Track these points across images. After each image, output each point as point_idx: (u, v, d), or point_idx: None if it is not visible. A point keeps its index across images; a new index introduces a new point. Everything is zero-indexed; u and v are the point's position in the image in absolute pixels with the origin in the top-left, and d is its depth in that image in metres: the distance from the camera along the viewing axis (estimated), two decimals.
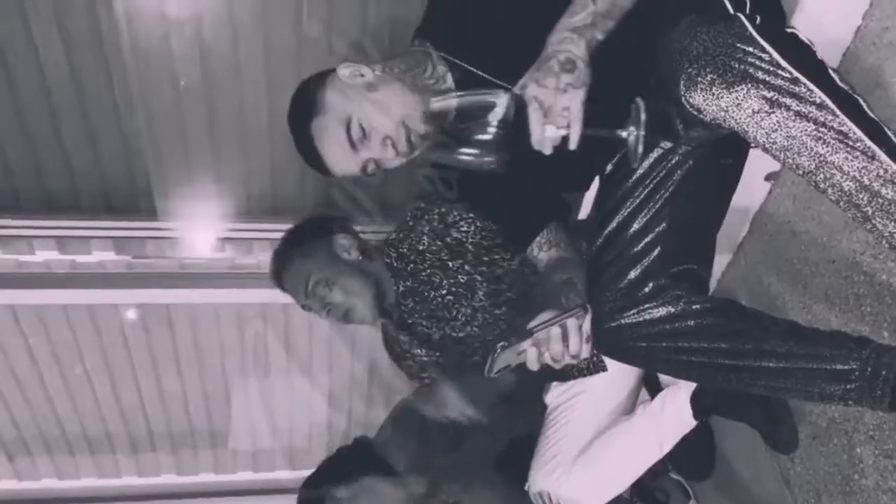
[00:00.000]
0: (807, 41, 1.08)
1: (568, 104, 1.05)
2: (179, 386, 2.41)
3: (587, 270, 1.42)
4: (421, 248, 1.65)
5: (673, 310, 1.29)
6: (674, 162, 1.35)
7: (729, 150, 1.34)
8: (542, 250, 1.52)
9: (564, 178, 1.53)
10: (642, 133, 1.08)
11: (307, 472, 1.87)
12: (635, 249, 1.35)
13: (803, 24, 1.38)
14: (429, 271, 1.65)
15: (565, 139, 1.07)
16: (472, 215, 1.59)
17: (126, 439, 2.62)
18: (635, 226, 1.37)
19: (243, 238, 2.04)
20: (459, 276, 1.62)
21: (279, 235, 1.95)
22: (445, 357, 1.70)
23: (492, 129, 1.05)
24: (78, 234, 1.99)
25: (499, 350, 1.14)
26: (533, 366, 1.19)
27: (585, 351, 1.21)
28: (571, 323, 1.19)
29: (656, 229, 1.35)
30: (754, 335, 1.25)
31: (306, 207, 2.04)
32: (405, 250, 1.67)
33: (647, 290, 1.31)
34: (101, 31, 1.75)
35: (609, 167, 1.45)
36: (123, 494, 2.71)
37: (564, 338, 1.19)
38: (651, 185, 1.37)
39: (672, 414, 1.67)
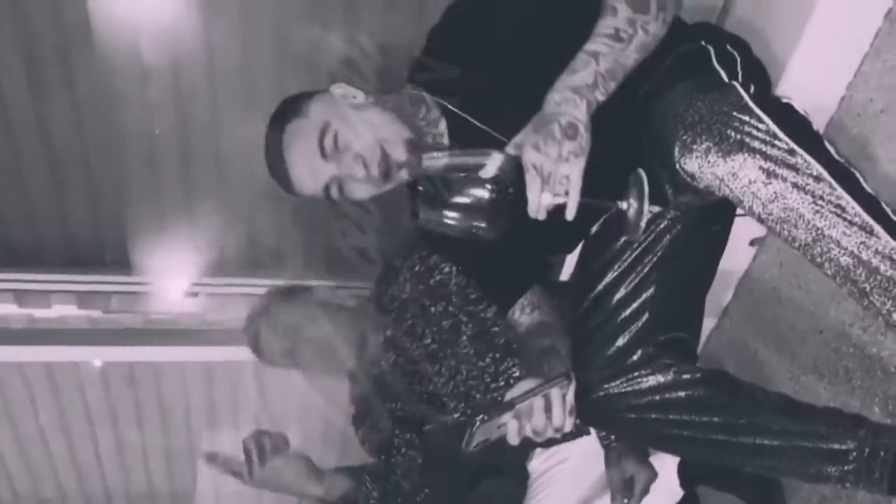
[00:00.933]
0: (803, 112, 1.07)
1: (568, 173, 1.01)
2: (140, 444, 2.30)
3: (572, 335, 1.38)
4: (403, 296, 1.60)
5: (663, 379, 1.25)
6: (662, 226, 1.33)
7: (718, 216, 1.32)
8: (523, 313, 1.46)
9: (551, 242, 1.50)
10: (646, 207, 1.02)
11: None
12: (623, 315, 1.32)
13: (788, 93, 1.39)
14: (411, 321, 1.59)
15: (560, 206, 1.02)
16: (451, 264, 1.55)
17: (82, 499, 2.50)
18: (622, 291, 1.34)
19: (216, 294, 1.97)
20: (443, 322, 1.57)
21: (254, 291, 1.90)
22: (422, 425, 1.64)
23: (484, 192, 0.99)
24: (38, 288, 1.90)
25: (477, 423, 1.06)
26: (514, 440, 1.11)
27: (569, 424, 1.13)
28: (555, 393, 1.12)
29: (644, 295, 1.32)
30: (748, 410, 1.22)
31: (283, 264, 1.98)
32: (386, 302, 1.63)
33: (635, 358, 1.27)
34: (71, 76, 1.69)
35: (594, 227, 1.43)
36: None
37: (547, 409, 1.12)
38: (639, 250, 1.34)
39: (660, 485, 1.62)
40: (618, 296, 1.33)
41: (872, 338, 1.35)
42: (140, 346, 1.97)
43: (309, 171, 1.30)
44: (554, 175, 1.00)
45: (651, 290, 1.32)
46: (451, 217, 1.00)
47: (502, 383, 1.50)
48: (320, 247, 2.00)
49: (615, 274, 1.35)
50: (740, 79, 1.14)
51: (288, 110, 1.33)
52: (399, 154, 1.26)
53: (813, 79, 1.41)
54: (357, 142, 1.27)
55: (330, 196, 1.32)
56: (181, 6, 1.66)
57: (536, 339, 1.37)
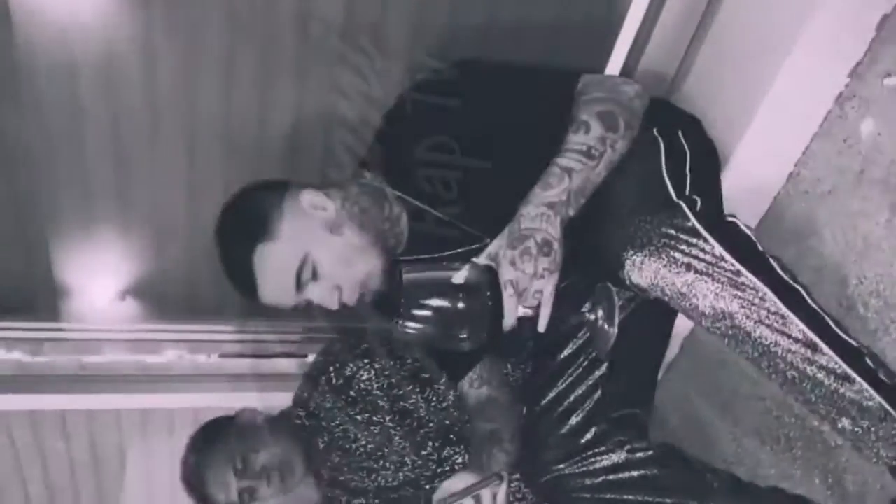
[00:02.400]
0: (746, 230, 1.10)
1: (542, 288, 1.04)
2: (72, 494, 2.21)
3: (527, 412, 1.38)
4: (328, 405, 1.56)
5: (616, 459, 1.28)
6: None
7: None
8: (472, 387, 1.47)
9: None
10: (615, 321, 1.05)
11: None
12: (576, 393, 1.34)
13: (739, 164, 1.42)
14: (342, 427, 1.56)
15: (531, 318, 1.05)
16: (366, 361, 1.51)
17: None
18: (577, 369, 1.35)
19: (154, 340, 1.90)
20: (371, 427, 1.54)
21: (194, 337, 1.83)
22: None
23: (460, 302, 1.02)
24: None
25: None
26: None
27: None
28: (485, 494, 1.14)
29: (597, 373, 1.34)
30: (698, 491, 1.25)
31: (223, 308, 1.92)
32: (313, 408, 1.59)
33: (589, 436, 1.30)
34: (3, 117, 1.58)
35: None
36: None
37: None
38: None
39: None
40: (572, 374, 1.35)
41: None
42: (74, 394, 1.89)
43: (280, 296, 1.28)
44: (528, 291, 1.03)
45: (604, 369, 1.34)
46: (425, 326, 1.02)
47: (447, 468, 1.47)
48: None
49: (570, 350, 1.36)
50: (688, 187, 1.16)
51: (255, 226, 1.26)
52: (377, 286, 1.27)
53: (763, 152, 1.43)
54: (337, 277, 1.26)
55: (296, 308, 1.31)
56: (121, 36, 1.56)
57: (481, 419, 1.38)
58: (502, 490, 1.15)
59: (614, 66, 1.67)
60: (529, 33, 1.59)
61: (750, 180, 1.44)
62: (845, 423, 1.04)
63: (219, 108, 1.64)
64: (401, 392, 1.51)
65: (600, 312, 1.07)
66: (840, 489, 1.32)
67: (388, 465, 1.55)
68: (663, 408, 1.80)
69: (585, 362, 1.34)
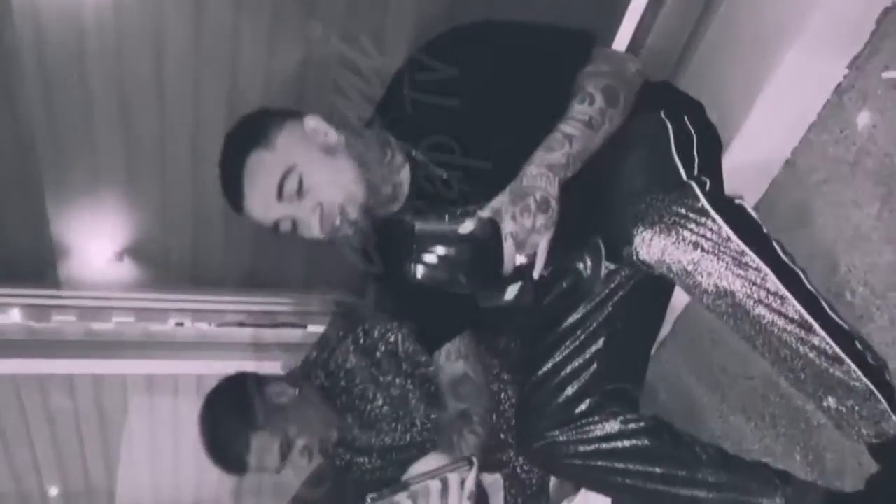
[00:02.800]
0: (753, 214, 1.13)
1: (538, 241, 1.14)
2: (78, 447, 2.27)
3: (522, 382, 1.43)
4: (349, 366, 1.61)
5: (610, 429, 1.32)
6: (616, 283, 1.39)
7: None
8: (448, 359, 1.51)
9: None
10: (602, 270, 1.19)
11: None
12: (573, 366, 1.38)
13: (738, 150, 1.46)
14: (361, 386, 1.61)
15: (527, 266, 1.16)
16: (395, 324, 1.56)
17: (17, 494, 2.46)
18: (574, 343, 1.39)
19: (159, 308, 1.94)
20: (392, 389, 1.59)
21: (198, 306, 1.87)
22: (386, 465, 1.67)
23: (463, 250, 1.15)
24: None
25: (368, 501, 1.13)
26: None
27: None
28: (453, 478, 1.17)
29: (594, 347, 1.39)
30: (688, 462, 1.29)
31: (225, 278, 1.95)
32: (333, 368, 1.63)
33: (584, 407, 1.34)
34: (13, 89, 1.61)
35: (546, 272, 1.46)
36: None
37: (444, 492, 1.17)
38: (592, 304, 1.40)
39: None
40: (569, 347, 1.39)
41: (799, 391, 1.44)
42: (79, 360, 1.93)
43: (263, 206, 1.33)
44: (527, 242, 1.14)
45: (600, 343, 1.39)
46: (432, 270, 1.15)
47: None
48: (263, 260, 1.99)
49: (568, 325, 1.41)
50: (696, 169, 1.19)
51: (255, 135, 1.32)
52: (354, 215, 1.32)
53: (761, 139, 1.46)
54: (320, 193, 1.30)
55: (278, 230, 1.34)
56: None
57: (453, 398, 1.42)
58: (471, 476, 1.17)
59: (618, 46, 1.70)
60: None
61: (747, 166, 1.48)
62: (831, 401, 1.09)
63: (224, 68, 1.66)
64: (422, 357, 1.56)
65: (588, 262, 1.19)
66: (819, 465, 1.38)
67: (399, 426, 1.60)
68: (654, 384, 1.86)
69: (583, 336, 1.38)
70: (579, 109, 1.21)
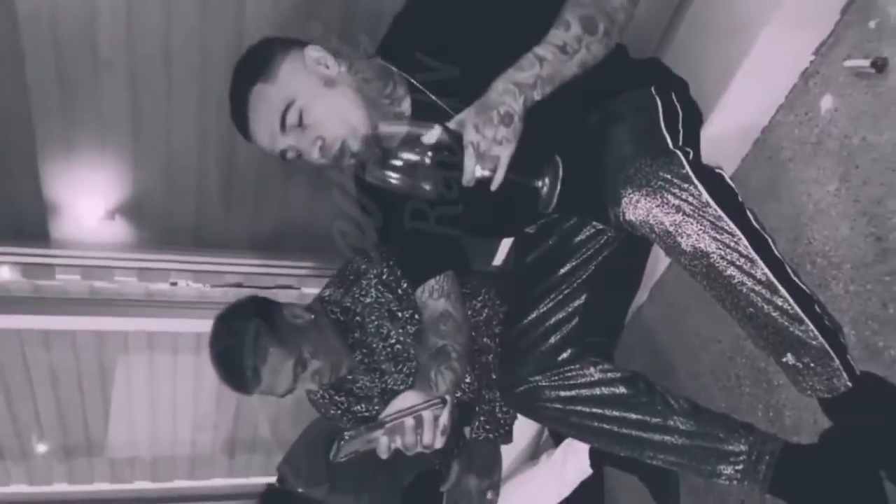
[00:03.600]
0: (730, 183, 1.22)
1: (499, 154, 1.16)
2: (79, 401, 2.35)
3: (506, 329, 1.52)
4: (368, 300, 1.66)
5: (589, 376, 1.41)
6: (602, 242, 1.49)
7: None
8: (431, 296, 1.51)
9: (482, 220, 1.58)
10: (558, 187, 1.18)
11: (207, 483, 1.87)
12: (557, 317, 1.47)
13: (711, 128, 1.54)
14: (377, 322, 1.66)
15: (488, 179, 1.18)
16: None
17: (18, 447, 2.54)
18: (558, 296, 1.49)
19: (161, 269, 2.02)
20: (408, 327, 1.65)
21: (198, 267, 1.93)
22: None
23: (426, 156, 1.14)
24: None
25: (346, 438, 1.14)
26: (382, 453, 1.18)
27: (439, 442, 1.20)
28: (426, 415, 1.17)
29: (577, 302, 1.48)
30: (660, 411, 1.39)
31: (226, 240, 2.03)
32: (349, 304, 1.68)
33: (565, 355, 1.43)
34: (20, 46, 1.64)
35: (532, 229, 1.58)
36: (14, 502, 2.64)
37: (419, 427, 1.18)
38: (578, 260, 1.50)
39: (573, 464, 1.82)
40: (553, 300, 1.49)
41: (762, 354, 1.55)
42: (83, 316, 2.01)
43: (268, 137, 1.38)
44: (487, 153, 1.15)
45: (583, 298, 1.48)
46: (395, 175, 1.15)
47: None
48: (266, 222, 2.06)
49: (554, 279, 1.50)
50: (681, 140, 1.29)
51: (259, 67, 1.37)
52: (356, 147, 1.35)
53: (735, 118, 1.56)
54: (320, 127, 1.35)
55: (285, 158, 1.40)
56: None
57: (433, 334, 1.43)
58: (444, 413, 1.18)
59: None
60: None
61: (721, 142, 1.57)
62: (790, 357, 1.19)
63: (230, 21, 1.68)
64: None
65: (546, 180, 1.19)
66: (779, 422, 1.50)
67: (404, 369, 1.66)
68: (632, 346, 1.97)
69: (567, 290, 1.47)
70: (554, 34, 1.24)
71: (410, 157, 1.14)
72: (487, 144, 1.15)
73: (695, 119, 1.45)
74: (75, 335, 2.14)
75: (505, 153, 1.16)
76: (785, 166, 1.50)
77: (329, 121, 1.35)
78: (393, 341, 1.67)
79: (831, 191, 1.38)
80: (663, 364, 1.87)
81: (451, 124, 1.17)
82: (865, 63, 1.32)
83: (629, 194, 1.15)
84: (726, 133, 1.58)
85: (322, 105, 1.34)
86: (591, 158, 1.28)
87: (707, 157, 1.45)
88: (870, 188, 1.31)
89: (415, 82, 1.41)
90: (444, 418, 1.20)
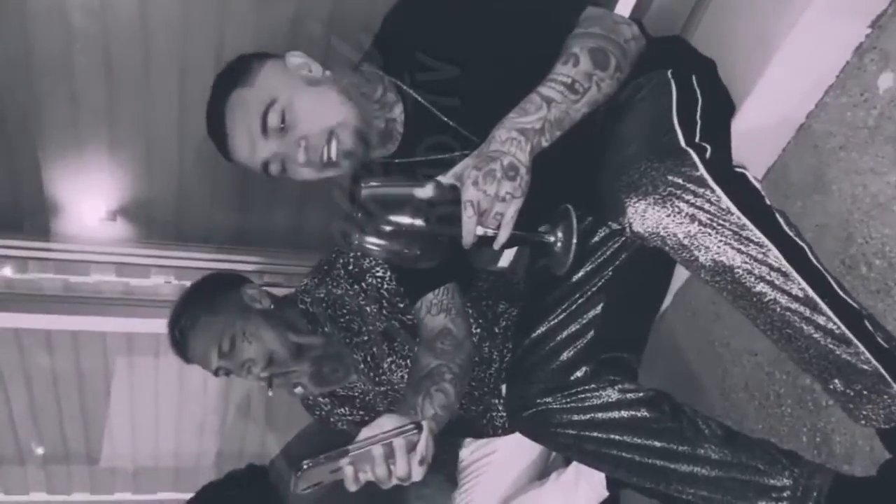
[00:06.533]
0: (755, 183, 1.06)
1: (503, 211, 1.03)
2: (55, 406, 2.22)
3: (515, 343, 1.37)
4: (339, 292, 1.55)
5: (607, 398, 1.25)
6: (618, 245, 1.33)
7: None
8: (429, 312, 1.40)
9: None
10: (574, 241, 1.07)
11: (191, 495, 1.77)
12: (569, 331, 1.32)
13: (746, 114, 1.37)
14: (347, 317, 1.55)
15: (490, 238, 1.05)
16: (387, 272, 1.51)
17: None
18: (571, 306, 1.33)
19: (141, 264, 1.88)
20: (377, 323, 1.53)
21: (181, 263, 1.81)
22: (370, 414, 1.61)
23: (418, 219, 1.01)
24: None
25: (304, 467, 0.98)
26: (350, 486, 1.04)
27: (417, 473, 1.05)
28: (398, 443, 1.02)
29: (592, 313, 1.32)
30: (689, 438, 1.23)
31: (211, 236, 1.90)
32: (321, 295, 1.57)
33: (579, 374, 1.27)
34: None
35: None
36: None
37: (390, 457, 1.04)
38: (592, 266, 1.33)
39: (586, 486, 1.65)
40: (565, 311, 1.33)
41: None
42: (58, 315, 1.87)
43: (248, 145, 1.25)
44: (489, 212, 1.02)
45: (599, 309, 1.32)
46: (381, 243, 1.02)
47: None
48: (248, 217, 1.94)
49: (565, 287, 1.34)
50: (698, 135, 1.11)
51: (236, 75, 1.25)
52: (347, 142, 1.22)
53: (775, 102, 1.38)
54: (304, 124, 1.22)
55: (269, 172, 1.26)
56: None
57: (428, 354, 1.32)
58: (423, 440, 1.03)
59: (626, 2, 1.62)
60: None
61: (758, 130, 1.40)
62: (838, 383, 1.04)
63: (212, 25, 1.60)
64: (403, 304, 1.50)
65: (559, 234, 1.08)
66: (827, 448, 1.32)
67: (384, 364, 1.55)
68: (651, 358, 1.79)
69: (581, 300, 1.31)
70: (561, 71, 1.11)
71: (399, 219, 1.00)
72: (489, 202, 1.01)
73: (721, 106, 1.29)
74: (50, 335, 2.01)
75: (510, 211, 1.03)
76: (835, 155, 1.32)
77: (314, 117, 1.21)
78: (365, 338, 1.55)
79: (892, 182, 1.20)
80: (687, 381, 1.70)
81: (448, 178, 1.04)
82: None
83: (634, 203, 0.99)
84: (764, 120, 1.40)
85: (306, 101, 1.22)
86: (592, 161, 1.13)
87: (741, 148, 1.28)
88: None
89: (405, 87, 1.28)
90: (423, 446, 1.04)
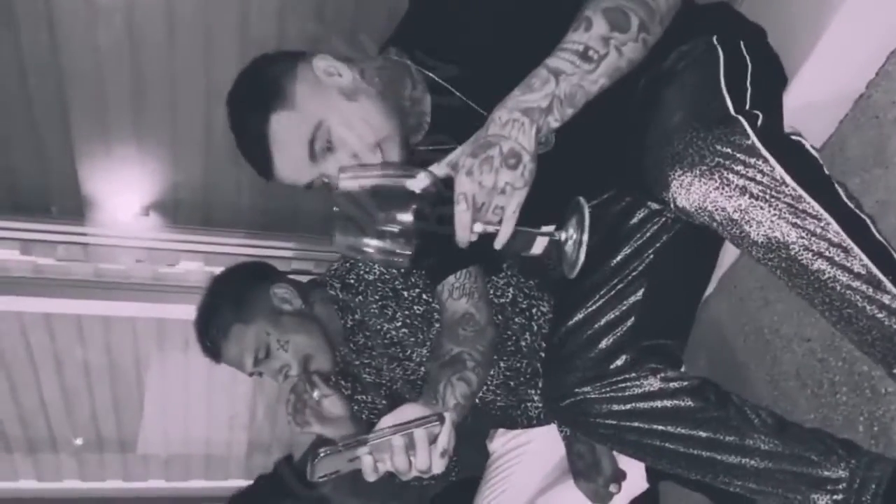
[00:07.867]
0: (812, 151, 0.98)
1: (503, 205, 0.93)
2: (87, 391, 2.22)
3: (551, 331, 1.31)
4: (371, 277, 1.49)
5: (648, 387, 1.18)
6: (659, 226, 1.24)
7: None
8: (451, 296, 1.34)
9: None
10: (585, 238, 0.97)
11: (222, 483, 1.75)
12: (608, 318, 1.24)
13: (801, 84, 1.29)
14: (381, 302, 1.49)
15: (491, 235, 0.95)
16: None
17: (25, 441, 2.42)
18: (611, 291, 1.26)
19: (168, 249, 1.86)
20: (415, 307, 1.48)
21: (208, 248, 1.79)
22: (392, 403, 1.57)
23: (407, 216, 0.91)
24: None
25: (321, 455, 0.94)
26: (369, 475, 1.00)
27: (438, 466, 1.01)
28: (419, 434, 0.98)
29: (632, 298, 1.25)
30: (737, 427, 1.16)
31: (240, 221, 1.87)
32: (352, 281, 1.52)
33: (619, 363, 1.20)
34: (18, 24, 1.55)
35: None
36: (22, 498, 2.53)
37: (410, 448, 1.00)
38: (631, 249, 1.25)
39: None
40: (604, 296, 1.26)
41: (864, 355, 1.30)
42: (88, 300, 1.86)
43: (295, 170, 1.19)
44: (487, 206, 0.93)
45: (640, 294, 1.24)
46: (369, 244, 0.92)
47: None
48: (276, 203, 1.92)
49: (603, 271, 1.27)
50: (748, 102, 1.04)
51: (270, 92, 1.17)
52: (392, 155, 1.16)
53: (832, 70, 1.30)
54: (351, 144, 1.16)
55: (311, 187, 1.21)
56: None
57: (449, 340, 1.27)
58: (444, 432, 1.00)
59: None
60: None
61: (813, 102, 1.32)
62: None
63: (237, 13, 1.58)
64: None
65: (571, 231, 0.99)
66: (886, 438, 1.23)
67: (414, 356, 1.50)
68: (694, 346, 1.72)
69: (621, 285, 1.24)
70: (572, 38, 0.98)
71: (386, 213, 0.91)
72: (486, 195, 0.92)
73: (772, 74, 1.20)
74: (80, 321, 2.01)
75: (511, 204, 0.93)
76: None
77: (363, 137, 1.15)
78: (399, 324, 1.49)
79: None
80: (732, 368, 1.61)
81: (442, 168, 0.95)
82: None
83: (679, 176, 0.92)
84: (819, 91, 1.32)
85: (349, 122, 1.15)
86: (634, 135, 1.04)
87: (793, 122, 1.21)
88: None
89: (434, 77, 1.20)
90: (444, 439, 1.00)
